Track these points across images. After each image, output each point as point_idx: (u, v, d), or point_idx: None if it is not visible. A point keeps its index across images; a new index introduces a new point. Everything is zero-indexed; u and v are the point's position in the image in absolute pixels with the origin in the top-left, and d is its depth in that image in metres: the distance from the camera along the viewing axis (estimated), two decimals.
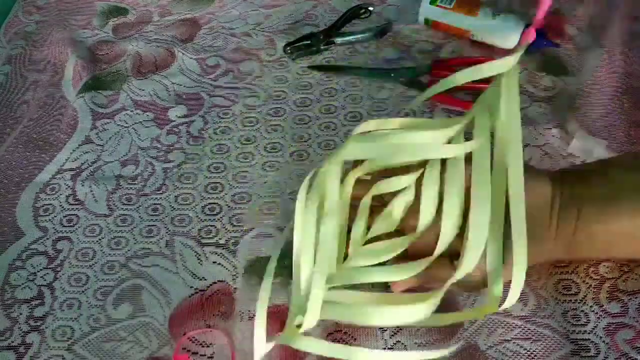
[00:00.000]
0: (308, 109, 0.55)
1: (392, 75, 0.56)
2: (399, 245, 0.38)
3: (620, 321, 0.38)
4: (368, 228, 0.39)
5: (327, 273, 0.36)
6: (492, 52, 0.57)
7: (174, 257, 0.45)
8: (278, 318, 0.40)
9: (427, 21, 0.60)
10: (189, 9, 0.68)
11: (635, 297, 0.39)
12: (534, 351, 0.37)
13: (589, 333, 0.38)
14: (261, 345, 0.36)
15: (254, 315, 0.40)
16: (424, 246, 0.37)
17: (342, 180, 0.40)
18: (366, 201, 0.40)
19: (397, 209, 0.39)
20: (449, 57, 0.58)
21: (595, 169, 0.39)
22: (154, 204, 0.48)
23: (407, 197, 0.39)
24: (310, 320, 0.35)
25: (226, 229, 0.46)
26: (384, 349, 0.38)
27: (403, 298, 0.37)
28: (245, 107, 0.55)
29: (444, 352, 0.34)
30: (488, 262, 0.35)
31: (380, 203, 0.40)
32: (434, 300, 0.34)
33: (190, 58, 0.61)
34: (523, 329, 0.38)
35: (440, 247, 0.36)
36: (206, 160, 0.51)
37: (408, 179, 0.39)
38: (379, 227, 0.39)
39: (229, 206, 0.48)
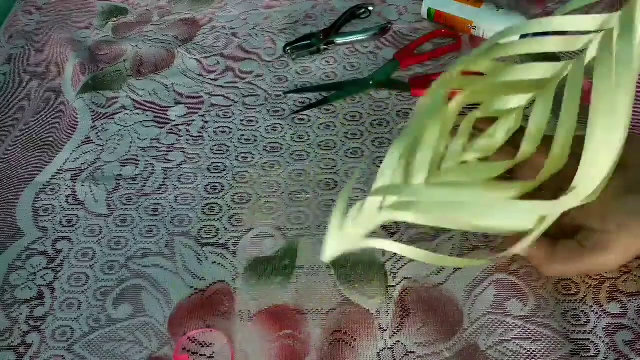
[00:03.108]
0: (308, 109, 0.55)
1: (371, 82, 0.55)
2: (495, 168, 0.36)
3: (619, 322, 0.38)
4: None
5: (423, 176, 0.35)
6: None
7: (174, 257, 0.45)
8: (278, 318, 0.40)
9: (430, 12, 0.60)
10: (189, 9, 0.68)
11: (635, 299, 0.39)
12: (534, 351, 0.37)
13: (588, 333, 0.38)
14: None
15: (254, 315, 0.41)
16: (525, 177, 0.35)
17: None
18: (469, 120, 0.38)
19: (499, 132, 0.37)
20: (410, 43, 0.58)
21: None
22: (154, 204, 0.48)
23: (510, 123, 0.37)
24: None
25: (226, 229, 0.46)
26: (384, 349, 0.38)
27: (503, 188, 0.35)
28: (245, 107, 0.55)
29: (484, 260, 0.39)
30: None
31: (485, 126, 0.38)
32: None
33: (190, 58, 0.61)
34: (523, 329, 0.38)
35: (545, 173, 0.34)
36: (206, 160, 0.51)
37: (516, 101, 0.38)
38: (478, 147, 0.37)
39: (229, 206, 0.48)
